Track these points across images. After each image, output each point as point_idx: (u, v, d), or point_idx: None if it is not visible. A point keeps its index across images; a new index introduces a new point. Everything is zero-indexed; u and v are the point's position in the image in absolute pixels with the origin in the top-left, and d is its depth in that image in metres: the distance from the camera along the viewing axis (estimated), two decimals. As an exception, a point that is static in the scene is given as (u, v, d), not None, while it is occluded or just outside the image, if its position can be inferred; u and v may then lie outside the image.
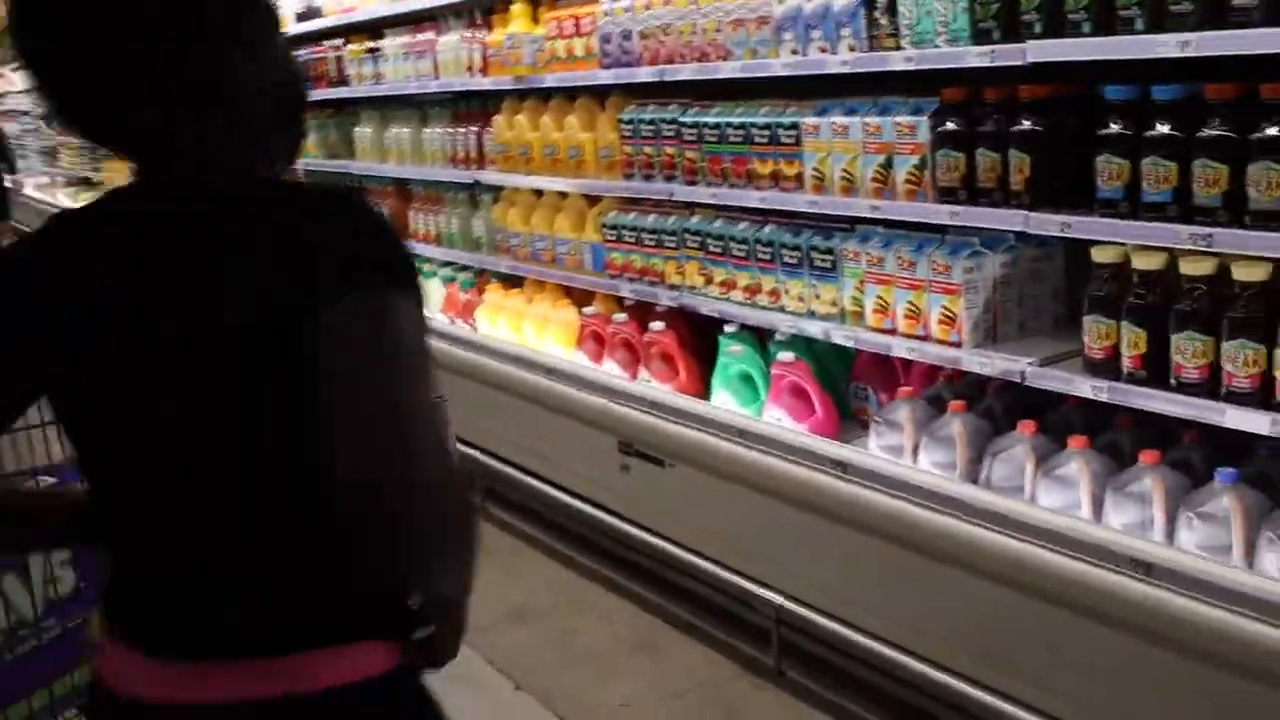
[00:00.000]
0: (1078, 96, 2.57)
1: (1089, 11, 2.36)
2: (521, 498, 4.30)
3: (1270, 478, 2.35)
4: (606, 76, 3.79)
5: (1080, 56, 2.39)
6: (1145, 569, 2.28)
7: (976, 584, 2.59)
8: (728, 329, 3.54)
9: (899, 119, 2.87)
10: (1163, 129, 2.30)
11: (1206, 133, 2.23)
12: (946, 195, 2.77)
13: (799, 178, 3.15)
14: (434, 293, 4.97)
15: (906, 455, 2.89)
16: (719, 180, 3.43)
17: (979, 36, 2.60)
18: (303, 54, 5.65)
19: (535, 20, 4.20)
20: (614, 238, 3.91)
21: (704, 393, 3.63)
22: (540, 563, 4.14)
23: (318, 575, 1.27)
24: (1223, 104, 2.23)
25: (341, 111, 5.75)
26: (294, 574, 1.26)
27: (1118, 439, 2.60)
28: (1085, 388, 2.50)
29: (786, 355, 3.31)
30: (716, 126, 3.40)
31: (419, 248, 5.01)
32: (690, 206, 3.67)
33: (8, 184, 7.50)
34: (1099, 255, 2.49)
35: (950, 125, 2.75)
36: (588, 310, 4.20)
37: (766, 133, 3.23)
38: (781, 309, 3.31)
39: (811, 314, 3.22)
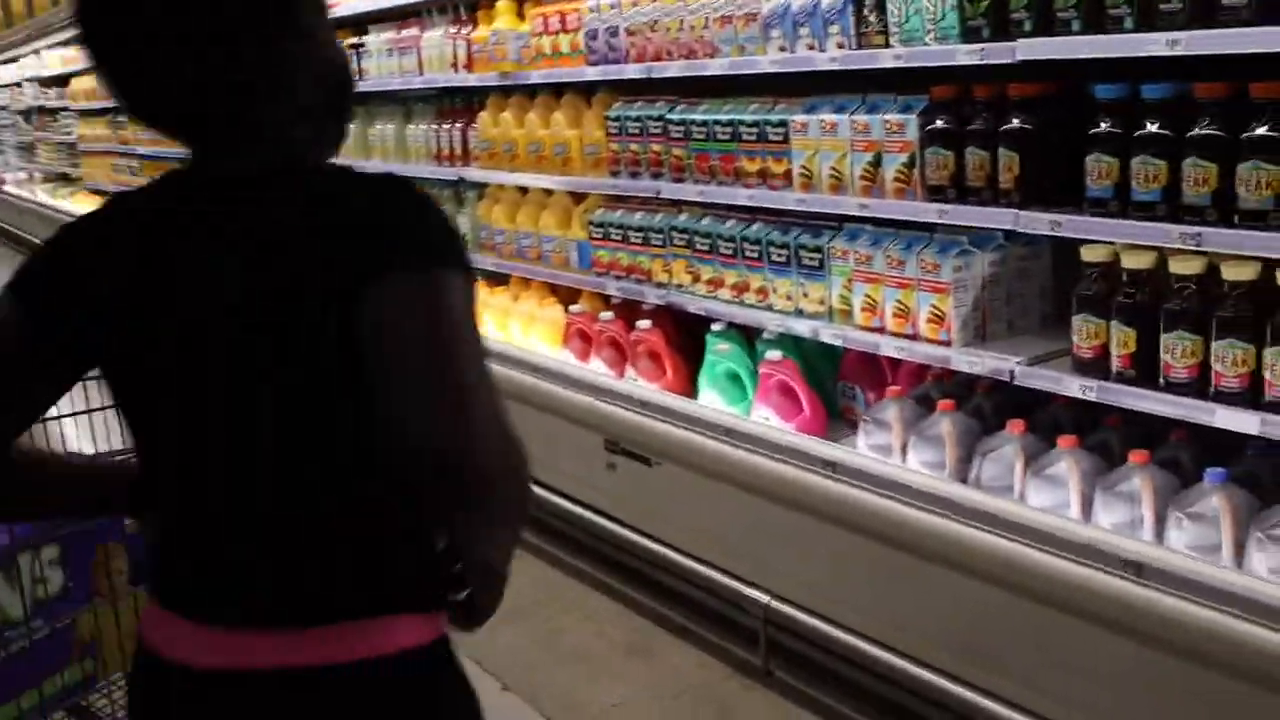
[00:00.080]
0: (1067, 95, 2.57)
1: (1079, 10, 2.35)
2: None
3: (1259, 477, 2.35)
4: (593, 73, 3.77)
5: (1070, 55, 2.38)
6: (1135, 569, 2.28)
7: (965, 583, 2.58)
8: (715, 327, 3.53)
9: (888, 117, 2.86)
10: (1152, 128, 2.30)
11: (1196, 132, 2.23)
12: (935, 193, 2.76)
13: (787, 175, 3.14)
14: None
15: (895, 454, 2.89)
16: (706, 178, 3.42)
17: (968, 34, 2.59)
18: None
19: (521, 16, 4.19)
20: (600, 235, 3.89)
21: (691, 391, 3.61)
22: (526, 561, 4.12)
23: (366, 546, 1.30)
24: (1212, 103, 2.23)
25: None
26: (342, 545, 1.29)
27: (1107, 438, 2.60)
28: (1074, 387, 2.50)
29: (774, 354, 3.30)
30: (704, 124, 3.38)
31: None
32: (677, 204, 3.66)
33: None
34: (1088, 254, 2.48)
35: (939, 123, 2.74)
36: (574, 308, 4.18)
37: (754, 130, 3.22)
38: (769, 307, 3.30)
39: (799, 312, 3.21)
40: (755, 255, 3.31)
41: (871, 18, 2.81)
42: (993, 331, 2.85)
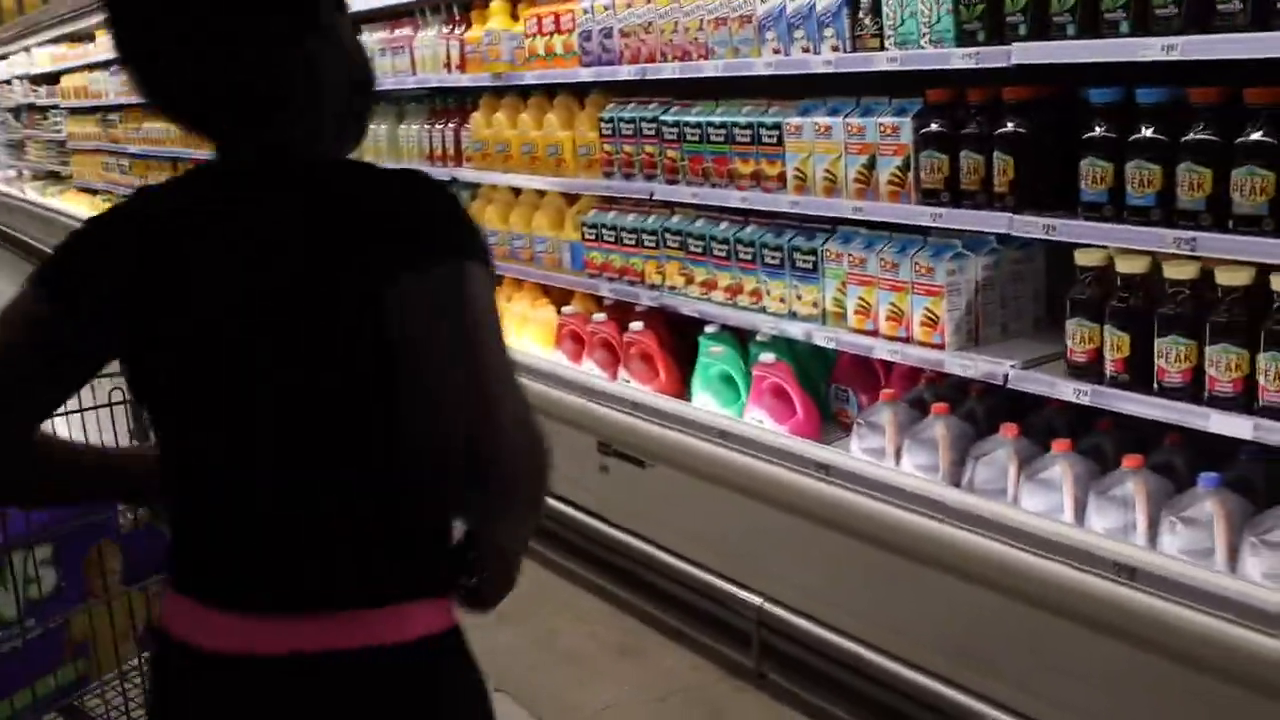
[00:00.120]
0: (1062, 99, 2.57)
1: (1074, 14, 2.35)
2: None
3: (1252, 482, 2.35)
4: (586, 74, 3.77)
5: (1065, 59, 2.38)
6: (1128, 573, 2.28)
7: (959, 587, 2.58)
8: (708, 329, 3.53)
9: (882, 120, 2.86)
10: (1147, 132, 2.30)
11: (1191, 137, 2.23)
12: (930, 197, 2.76)
13: (781, 178, 3.14)
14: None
15: (888, 458, 2.89)
16: (700, 180, 3.41)
17: (963, 38, 2.59)
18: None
19: (514, 17, 4.18)
20: (593, 237, 3.88)
21: (684, 393, 3.61)
22: (518, 563, 4.11)
23: (392, 535, 1.31)
24: (1207, 108, 2.23)
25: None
26: (370, 534, 1.30)
27: (1100, 442, 2.60)
28: (1068, 391, 2.50)
29: (767, 356, 3.30)
30: (698, 126, 3.38)
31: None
32: (671, 206, 3.66)
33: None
34: (1082, 258, 2.49)
35: (934, 126, 2.74)
36: (566, 309, 4.17)
37: (748, 132, 3.22)
38: (763, 310, 3.30)
39: (793, 315, 3.21)
40: (749, 257, 3.31)
41: (866, 21, 2.81)
42: (986, 335, 2.85)
